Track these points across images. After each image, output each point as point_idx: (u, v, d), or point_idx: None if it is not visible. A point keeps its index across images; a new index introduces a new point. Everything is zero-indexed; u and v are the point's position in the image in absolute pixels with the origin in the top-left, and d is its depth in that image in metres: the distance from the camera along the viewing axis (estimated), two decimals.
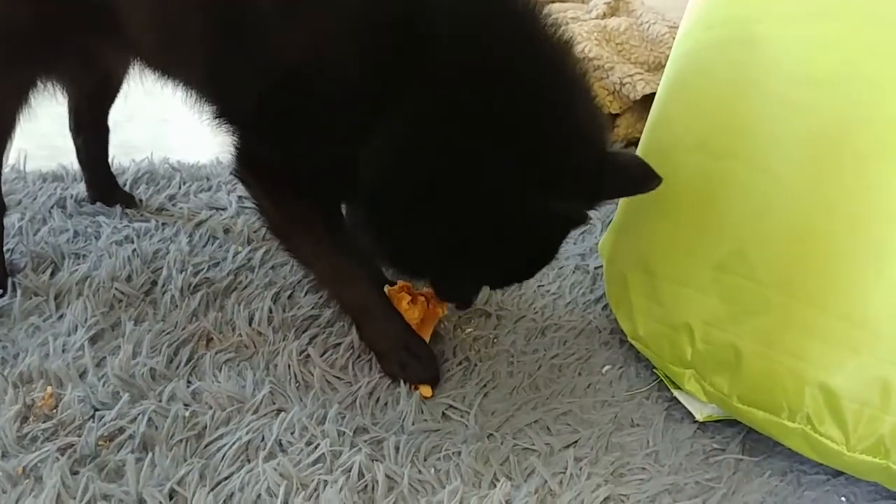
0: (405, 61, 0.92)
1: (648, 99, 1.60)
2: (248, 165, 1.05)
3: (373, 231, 1.02)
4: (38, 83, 1.13)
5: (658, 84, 1.26)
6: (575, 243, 1.42)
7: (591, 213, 1.46)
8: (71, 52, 1.13)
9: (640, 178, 0.99)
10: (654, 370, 1.15)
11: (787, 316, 0.95)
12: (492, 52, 0.93)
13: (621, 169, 0.99)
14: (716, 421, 1.07)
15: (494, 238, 0.95)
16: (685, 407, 1.09)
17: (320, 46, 0.95)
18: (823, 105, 0.96)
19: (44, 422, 0.95)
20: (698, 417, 1.07)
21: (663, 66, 1.55)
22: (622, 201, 1.23)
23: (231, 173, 1.08)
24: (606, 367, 1.16)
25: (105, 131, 1.37)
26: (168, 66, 1.11)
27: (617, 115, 1.77)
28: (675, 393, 1.10)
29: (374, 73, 0.94)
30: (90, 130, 1.36)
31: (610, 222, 1.30)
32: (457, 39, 0.92)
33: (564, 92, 0.95)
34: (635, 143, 1.39)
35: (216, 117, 1.05)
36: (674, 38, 1.27)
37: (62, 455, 0.91)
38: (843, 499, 0.99)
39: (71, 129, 1.35)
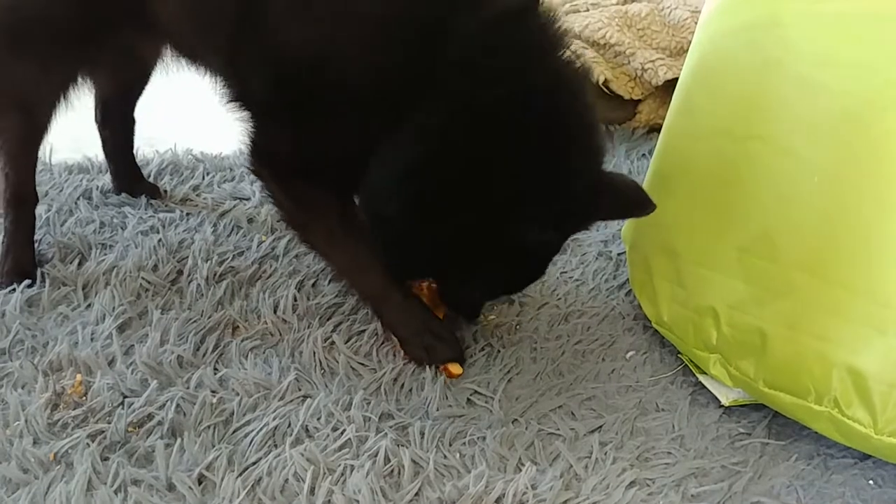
0: (420, 65, 0.93)
1: (671, 84, 1.59)
2: (261, 157, 1.06)
3: (373, 229, 1.04)
4: (79, 80, 1.15)
5: (680, 69, 1.26)
6: (598, 230, 1.41)
7: None
8: (112, 46, 1.15)
9: (635, 203, 1.01)
10: (679, 355, 1.14)
11: (813, 298, 0.94)
12: (502, 71, 0.93)
13: (615, 192, 1.01)
14: (741, 405, 1.07)
15: (473, 254, 0.99)
16: (710, 392, 1.08)
17: (339, 38, 0.96)
18: (847, 86, 0.95)
19: (74, 409, 0.97)
20: (724, 402, 1.06)
21: (685, 52, 1.54)
22: (645, 187, 1.22)
23: (245, 166, 1.08)
24: (630, 353, 1.16)
25: (132, 124, 1.38)
26: (197, 52, 1.12)
27: (639, 101, 1.76)
28: (701, 378, 1.10)
29: (388, 71, 0.95)
30: (117, 123, 1.37)
31: None
32: (473, 51, 0.93)
33: (563, 118, 0.96)
34: (657, 128, 1.39)
35: (232, 102, 1.06)
36: (695, 23, 1.27)
37: (92, 441, 0.92)
38: (870, 482, 0.98)
39: (97, 122, 1.37)
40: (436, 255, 1.01)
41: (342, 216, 1.07)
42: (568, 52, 0.98)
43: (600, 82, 1.69)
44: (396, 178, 0.97)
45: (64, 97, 1.14)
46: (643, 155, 1.68)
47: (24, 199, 1.20)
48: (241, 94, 1.06)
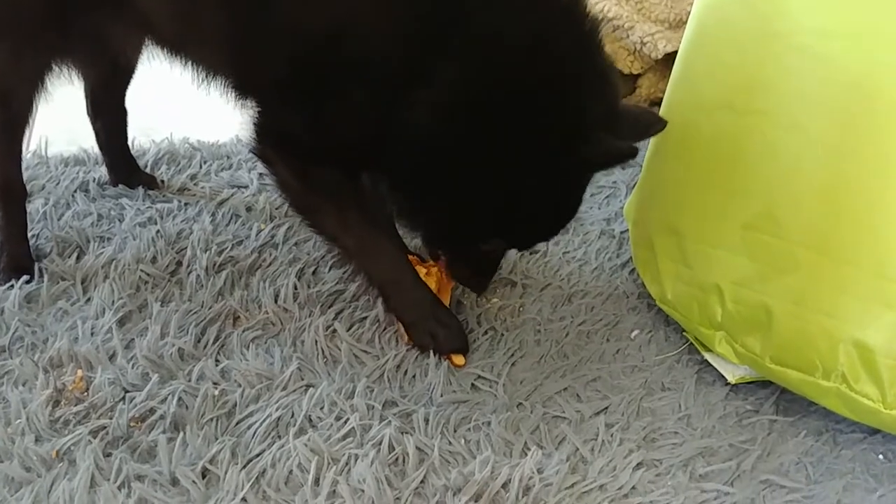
0: (437, 27, 0.92)
1: (670, 57, 1.56)
2: (269, 140, 1.04)
3: (404, 197, 1.03)
4: (54, 67, 1.14)
5: (680, 42, 1.23)
6: (600, 208, 1.40)
7: (615, 177, 1.47)
8: (84, 33, 1.13)
9: (650, 122, 1.04)
10: (684, 333, 1.13)
11: (819, 273, 0.93)
12: (520, 16, 0.94)
13: (633, 115, 1.04)
14: (748, 382, 1.06)
15: (532, 189, 0.96)
16: (716, 369, 1.07)
17: (354, 7, 0.95)
18: (850, 57, 0.93)
19: (75, 405, 0.96)
20: (730, 379, 1.05)
21: (684, 24, 1.51)
22: (647, 163, 1.21)
23: (250, 151, 1.07)
24: (635, 332, 1.15)
25: (123, 114, 1.36)
26: (182, 41, 1.10)
27: (638, 76, 1.74)
28: (706, 355, 1.09)
29: (408, 37, 0.94)
30: (108, 114, 1.35)
31: (635, 185, 1.28)
32: (485, 5, 0.93)
33: (587, 49, 0.98)
34: (658, 103, 1.37)
35: (235, 90, 1.04)
36: None
37: (95, 437, 0.92)
38: (880, 456, 0.97)
39: (88, 114, 1.35)
40: (486, 193, 0.97)
41: (354, 198, 1.06)
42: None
43: None
44: (444, 129, 0.95)
45: (40, 86, 1.12)
46: None
47: (13, 193, 1.18)
48: (244, 80, 1.04)
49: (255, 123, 1.04)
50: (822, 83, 0.94)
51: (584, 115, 0.94)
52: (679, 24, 1.72)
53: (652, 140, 1.21)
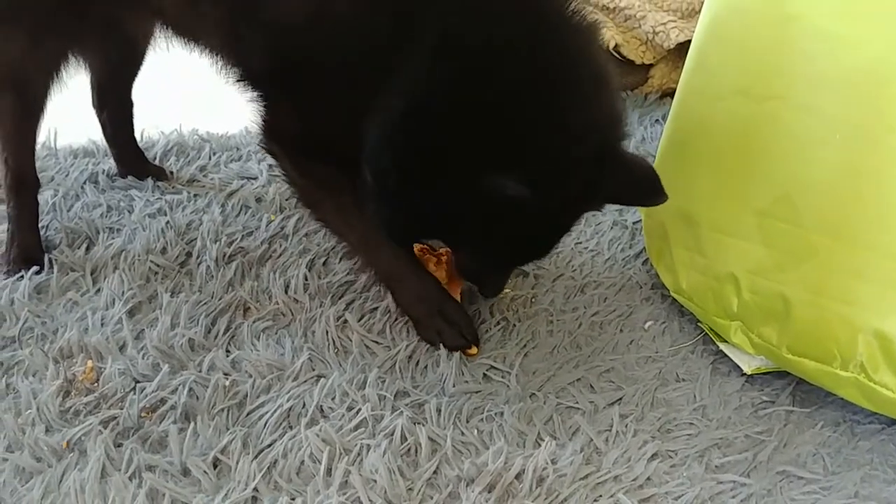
0: (409, 31, 0.90)
1: (683, 47, 1.55)
2: (272, 135, 1.04)
3: (368, 198, 0.99)
4: (70, 56, 1.13)
5: (692, 31, 1.22)
6: None
7: None
8: (98, 21, 1.12)
9: (645, 190, 0.95)
10: (699, 324, 1.12)
11: (836, 260, 0.92)
12: (499, 32, 0.89)
13: (626, 173, 0.94)
14: (764, 373, 1.04)
15: (467, 216, 0.92)
16: (732, 360, 1.06)
17: (325, 9, 0.93)
18: (868, 40, 0.92)
19: (86, 395, 0.96)
20: (746, 370, 1.04)
21: (697, 13, 1.50)
22: (660, 152, 1.20)
23: (258, 144, 1.07)
24: (649, 323, 1.14)
25: (129, 106, 1.36)
26: (191, 29, 1.09)
27: (650, 66, 1.73)
28: (721, 346, 1.08)
29: (377, 41, 0.92)
30: (113, 106, 1.35)
31: None
32: (466, 13, 0.89)
33: (561, 72, 0.90)
34: (670, 93, 1.36)
35: (240, 82, 1.04)
36: None
37: (105, 428, 0.91)
38: None
39: (94, 106, 1.34)
40: (432, 216, 0.95)
41: (354, 193, 1.04)
42: (574, 6, 0.93)
43: (611, 47, 1.65)
44: (388, 132, 0.92)
45: (56, 75, 1.12)
46: (656, 120, 1.65)
47: (26, 184, 1.18)
48: (245, 72, 1.04)
49: (260, 118, 1.04)
50: (840, 65, 0.93)
51: (497, 143, 0.87)
52: (691, 14, 1.71)
53: (666, 128, 1.20)
